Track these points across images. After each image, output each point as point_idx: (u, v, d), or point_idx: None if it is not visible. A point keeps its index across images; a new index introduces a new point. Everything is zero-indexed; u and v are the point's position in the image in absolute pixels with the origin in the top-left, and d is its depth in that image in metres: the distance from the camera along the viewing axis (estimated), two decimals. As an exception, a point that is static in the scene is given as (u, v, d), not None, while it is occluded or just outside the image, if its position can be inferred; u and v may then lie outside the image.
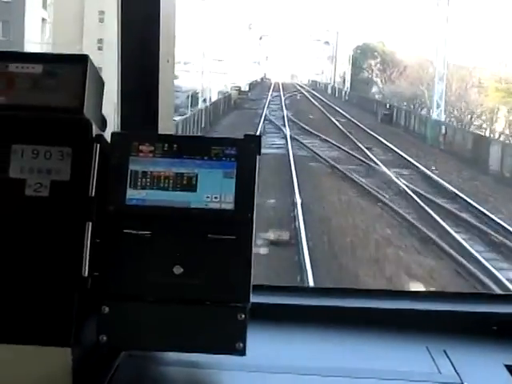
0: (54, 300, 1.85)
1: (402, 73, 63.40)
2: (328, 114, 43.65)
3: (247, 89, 61.94)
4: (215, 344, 1.93)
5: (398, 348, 2.35)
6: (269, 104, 50.69)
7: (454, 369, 2.16)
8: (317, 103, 54.46)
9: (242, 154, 1.94)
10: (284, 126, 34.68)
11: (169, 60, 2.31)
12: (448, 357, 2.23)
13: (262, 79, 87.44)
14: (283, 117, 39.98)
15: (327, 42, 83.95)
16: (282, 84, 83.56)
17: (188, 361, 2.04)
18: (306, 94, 68.92)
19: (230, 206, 1.91)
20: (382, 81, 68.16)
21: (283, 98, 57.69)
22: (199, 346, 1.94)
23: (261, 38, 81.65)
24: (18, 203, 1.89)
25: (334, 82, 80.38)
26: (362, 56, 72.12)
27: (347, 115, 42.28)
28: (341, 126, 35.59)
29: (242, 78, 67.24)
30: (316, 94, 68.22)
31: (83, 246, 1.84)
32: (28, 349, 1.84)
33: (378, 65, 69.54)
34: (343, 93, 65.54)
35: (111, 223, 1.91)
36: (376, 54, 69.72)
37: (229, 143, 1.95)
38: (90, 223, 1.86)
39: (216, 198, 1.91)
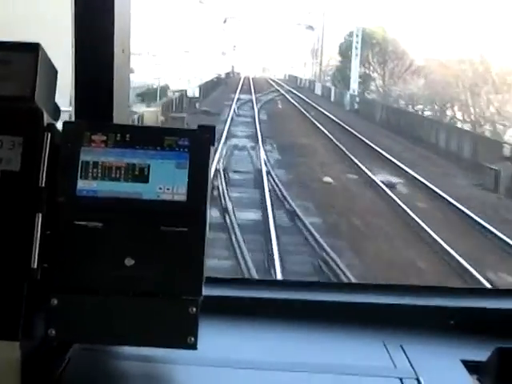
0: (1, 292, 1.81)
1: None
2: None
3: (195, 94, 42.42)
4: (166, 338, 1.90)
5: (355, 343, 2.34)
6: (230, 126, 30.72)
7: (410, 364, 2.15)
8: (317, 119, 36.09)
9: (196, 145, 1.91)
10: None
11: (124, 50, 2.28)
12: (404, 352, 2.23)
13: (227, 74, 74.35)
14: (262, 180, 19.15)
15: (311, 27, 69.95)
16: (253, 80, 72.09)
17: (140, 355, 2.02)
18: (288, 96, 53.61)
19: (183, 198, 1.88)
20: (381, 77, 53.83)
21: (256, 108, 40.90)
22: (150, 340, 1.91)
23: (225, 21, 69.21)
24: None
25: (321, 78, 67.02)
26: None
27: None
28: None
29: (206, 71, 56.19)
30: (302, 96, 53.07)
31: (33, 237, 1.81)
32: None
33: (377, 56, 54.35)
34: (348, 97, 47.33)
35: (61, 214, 1.88)
36: (374, 42, 53.82)
37: (182, 134, 1.92)
38: (40, 214, 1.83)
39: (168, 189, 1.89)
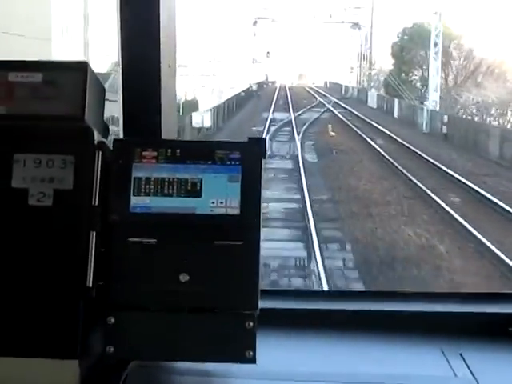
0: (59, 311, 1.82)
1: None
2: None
3: (205, 122, 28.65)
4: (225, 352, 1.89)
5: (413, 352, 2.30)
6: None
7: (471, 372, 2.11)
8: (396, 156, 23.31)
9: (247, 158, 1.90)
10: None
11: (170, 65, 2.28)
12: (464, 360, 2.19)
13: (260, 84, 64.85)
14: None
15: (357, 25, 59.00)
16: (290, 90, 64.01)
17: (198, 369, 2.01)
18: (336, 112, 42.50)
19: (236, 211, 1.87)
20: (444, 80, 41.88)
21: (298, 140, 28.06)
22: (208, 355, 1.90)
23: (255, 23, 59.53)
24: (21, 213, 1.87)
25: (370, 85, 56.85)
26: (411, 44, 46.21)
27: None
28: None
29: (237, 82, 51.86)
30: (355, 111, 42.34)
31: (88, 255, 1.82)
32: (34, 362, 1.82)
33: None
34: (425, 115, 33.80)
35: (115, 232, 1.88)
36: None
37: (233, 147, 1.92)
38: (94, 232, 1.83)
39: (221, 202, 1.88)
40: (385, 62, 53.63)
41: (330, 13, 59.22)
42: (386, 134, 31.21)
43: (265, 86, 70.78)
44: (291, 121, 36.19)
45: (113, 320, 1.87)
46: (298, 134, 30.61)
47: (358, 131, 32.16)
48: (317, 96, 59.38)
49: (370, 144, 27.76)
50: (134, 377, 2.00)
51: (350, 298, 2.62)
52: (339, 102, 51.05)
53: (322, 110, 44.91)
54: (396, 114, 40.84)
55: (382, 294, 2.73)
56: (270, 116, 38.62)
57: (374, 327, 2.35)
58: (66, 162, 1.88)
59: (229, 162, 1.90)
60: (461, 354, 2.21)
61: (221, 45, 51.06)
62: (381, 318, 2.41)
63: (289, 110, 43.13)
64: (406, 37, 46.65)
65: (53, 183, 1.87)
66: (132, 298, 1.88)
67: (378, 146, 26.88)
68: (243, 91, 52.48)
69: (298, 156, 23.98)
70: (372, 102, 49.95)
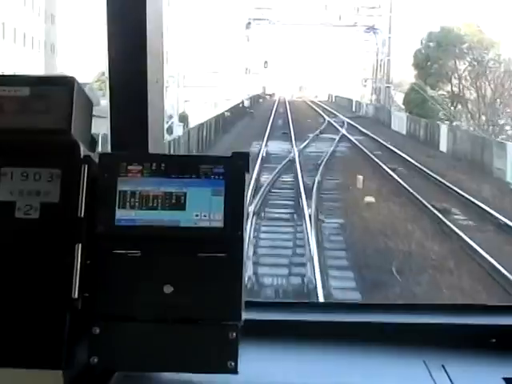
0: (44, 322, 1.85)
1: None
2: None
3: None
4: (208, 363, 1.92)
5: (395, 363, 2.32)
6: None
7: (452, 383, 2.14)
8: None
9: (231, 172, 1.94)
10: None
11: (158, 80, 2.31)
12: (446, 371, 2.21)
13: (255, 98, 56.05)
14: None
15: (372, 29, 48.97)
16: (290, 105, 55.52)
17: (182, 380, 2.03)
18: (354, 140, 32.15)
19: (220, 224, 1.91)
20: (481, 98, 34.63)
21: (308, 223, 15.30)
22: (191, 366, 1.93)
23: (249, 26, 50.18)
24: (8, 226, 1.89)
25: (386, 100, 48.09)
26: (438, 52, 38.24)
27: None
28: None
29: (234, 93, 46.02)
30: (381, 140, 31.95)
31: (73, 267, 1.84)
32: (19, 372, 1.84)
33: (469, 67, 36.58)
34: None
35: (101, 244, 1.91)
36: (465, 46, 36.47)
37: (217, 161, 1.95)
38: (80, 244, 1.86)
39: (205, 216, 1.91)
40: (405, 74, 44.81)
41: (338, 14, 48.76)
42: (470, 201, 18.61)
43: (261, 100, 61.79)
44: (294, 160, 24.94)
45: (98, 330, 1.89)
46: (308, 196, 18.43)
47: (411, 189, 19.67)
48: (323, 114, 49.08)
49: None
50: None
51: (334, 309, 2.64)
52: (353, 123, 40.90)
53: (336, 138, 33.19)
54: (445, 147, 28.69)
55: (366, 306, 2.75)
56: (263, 148, 28.21)
57: (357, 338, 2.37)
58: (52, 175, 1.91)
59: (213, 176, 1.93)
60: (443, 366, 2.24)
61: (214, 53, 47.76)
62: (364, 329, 2.43)
63: (290, 138, 32.94)
64: (431, 43, 38.18)
65: (39, 196, 1.90)
66: (117, 308, 1.91)
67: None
68: (230, 109, 41.12)
69: (314, 288, 11.78)
70: (398, 125, 38.29)
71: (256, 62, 54.52)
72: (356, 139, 33.18)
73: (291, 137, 33.70)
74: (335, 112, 51.15)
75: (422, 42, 40.63)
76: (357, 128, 39.06)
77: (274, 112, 48.81)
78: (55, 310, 1.85)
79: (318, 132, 36.67)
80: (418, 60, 40.94)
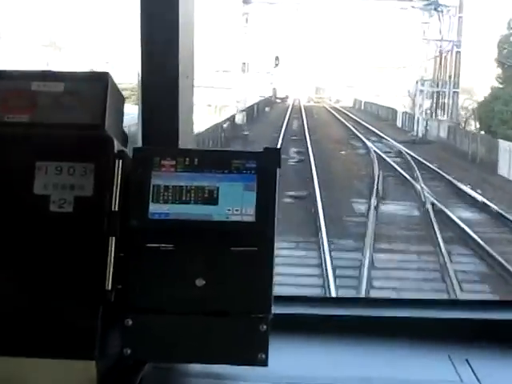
0: (78, 313, 1.88)
1: None
2: None
3: None
4: (238, 355, 1.95)
5: (420, 357, 2.35)
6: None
7: (476, 378, 2.16)
8: None
9: (262, 167, 1.96)
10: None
11: (188, 76, 2.34)
12: (470, 366, 2.24)
13: (259, 107, 42.64)
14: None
15: (435, 4, 32.94)
16: (307, 115, 42.44)
17: (212, 372, 2.06)
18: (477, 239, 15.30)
19: (251, 219, 1.93)
20: None
21: None
22: (222, 358, 1.96)
23: (246, 13, 36.48)
24: (43, 219, 1.92)
25: (450, 112, 34.10)
26: None
27: None
28: None
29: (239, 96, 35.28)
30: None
31: (107, 260, 1.87)
32: (53, 362, 1.87)
33: None
34: None
35: (134, 237, 1.94)
36: None
37: (249, 156, 1.98)
38: (114, 238, 1.89)
39: (237, 210, 1.94)
40: (479, 74, 30.60)
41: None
42: None
43: (267, 108, 47.08)
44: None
45: (130, 322, 1.93)
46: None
47: None
48: (358, 132, 34.98)
49: None
50: (149, 378, 2.05)
51: (360, 304, 2.67)
52: (427, 163, 25.43)
53: (416, 216, 18.60)
54: None
55: (391, 301, 2.78)
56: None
57: (383, 333, 2.40)
58: (86, 169, 1.93)
59: (245, 171, 1.96)
60: (467, 360, 2.26)
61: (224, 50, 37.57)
62: (390, 324, 2.46)
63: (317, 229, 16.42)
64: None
65: (74, 190, 1.93)
66: (149, 301, 1.94)
67: None
68: (211, 128, 28.32)
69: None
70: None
71: (259, 54, 40.78)
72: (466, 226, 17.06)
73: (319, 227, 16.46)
74: (374, 129, 36.35)
75: (511, 26, 26.41)
76: (436, 173, 24.03)
77: (283, 130, 33.89)
78: (89, 301, 1.88)
79: (374, 202, 19.12)
80: (504, 56, 27.43)
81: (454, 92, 35.33)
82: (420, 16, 35.67)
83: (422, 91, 36.81)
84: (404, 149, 28.69)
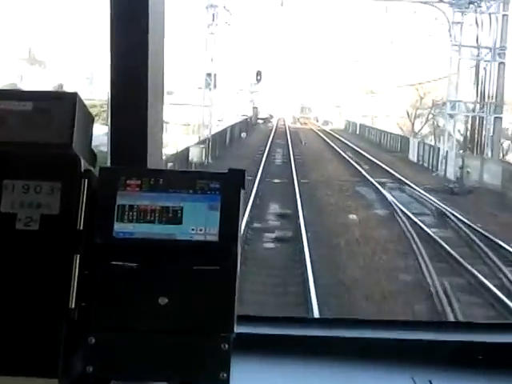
0: (41, 331, 1.88)
1: None
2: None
3: None
4: (200, 374, 1.96)
5: (384, 379, 2.37)
6: None
7: None
8: None
9: (227, 188, 1.99)
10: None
11: (157, 98, 2.37)
12: None
13: (231, 131, 35.46)
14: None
15: None
16: (293, 147, 33.82)
17: None
18: None
19: (215, 238, 1.96)
20: None
21: None
22: (184, 376, 1.97)
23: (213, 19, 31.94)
24: (9, 237, 1.94)
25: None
26: None
27: None
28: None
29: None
30: None
31: (71, 277, 1.89)
32: (15, 380, 1.87)
33: None
34: None
35: (99, 255, 1.96)
36: None
37: (213, 177, 2.00)
38: (78, 255, 1.91)
39: (201, 230, 1.96)
40: None
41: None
42: None
43: (243, 134, 38.82)
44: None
45: (93, 340, 1.93)
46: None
47: None
48: (364, 172, 26.62)
49: None
50: None
51: (326, 324, 2.68)
52: (485, 233, 17.24)
53: None
54: None
55: (358, 322, 2.79)
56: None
57: (347, 353, 2.41)
58: (53, 188, 1.95)
59: (209, 192, 1.98)
60: (430, 382, 2.28)
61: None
62: (355, 344, 2.47)
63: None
64: None
65: (40, 208, 1.95)
66: (112, 318, 1.95)
67: None
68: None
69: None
70: None
71: (238, 69, 37.60)
72: None
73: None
74: (383, 164, 28.30)
75: None
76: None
77: (260, 171, 25.41)
78: (52, 319, 1.89)
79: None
80: None
81: (496, 118, 26.98)
82: (444, 16, 27.99)
83: (451, 116, 28.14)
84: (446, 208, 19.18)
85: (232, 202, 1.98)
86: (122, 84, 2.32)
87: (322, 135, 42.59)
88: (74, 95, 2.01)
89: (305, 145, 37.96)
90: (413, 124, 36.79)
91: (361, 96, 47.05)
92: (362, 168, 28.03)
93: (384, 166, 28.37)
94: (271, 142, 35.30)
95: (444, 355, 2.41)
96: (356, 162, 30.06)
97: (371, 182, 24.34)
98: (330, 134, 43.32)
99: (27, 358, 1.88)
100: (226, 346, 1.94)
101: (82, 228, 1.92)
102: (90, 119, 2.11)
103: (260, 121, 47.91)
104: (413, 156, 32.28)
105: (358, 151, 34.53)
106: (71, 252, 1.90)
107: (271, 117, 52.58)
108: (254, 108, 45.50)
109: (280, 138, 37.55)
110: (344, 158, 32.10)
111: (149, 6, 2.24)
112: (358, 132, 45.62)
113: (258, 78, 40.17)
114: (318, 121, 56.45)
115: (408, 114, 36.89)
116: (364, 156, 32.45)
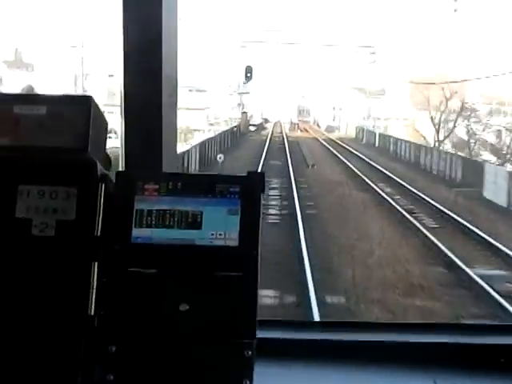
0: (60, 340, 1.85)
1: None
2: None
3: None
4: (223, 381, 1.92)
5: (406, 382, 2.33)
6: None
7: None
8: None
9: (246, 191, 1.95)
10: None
11: (171, 102, 2.33)
12: None
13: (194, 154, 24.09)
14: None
15: None
16: (298, 192, 20.38)
17: None
18: None
19: (235, 243, 1.92)
20: None
21: None
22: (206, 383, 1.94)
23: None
24: (25, 243, 1.90)
25: None
26: None
27: None
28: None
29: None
30: None
31: (89, 285, 1.85)
32: None
33: None
34: None
35: (117, 262, 1.92)
36: None
37: (233, 180, 1.97)
38: (96, 263, 1.87)
39: (220, 234, 1.92)
40: None
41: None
42: None
43: (219, 157, 27.31)
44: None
45: (114, 349, 1.90)
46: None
47: None
48: (436, 248, 14.62)
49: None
50: None
51: (346, 328, 2.64)
52: None
53: None
54: None
55: (377, 325, 2.76)
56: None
57: (368, 358, 2.38)
58: (69, 193, 1.92)
59: (229, 195, 1.95)
60: None
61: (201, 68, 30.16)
62: (376, 348, 2.44)
63: None
64: None
65: (56, 214, 1.91)
66: (132, 326, 1.91)
67: None
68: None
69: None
70: None
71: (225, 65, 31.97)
72: None
73: None
74: (458, 219, 17.60)
75: None
76: None
77: None
78: (72, 327, 1.85)
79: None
80: None
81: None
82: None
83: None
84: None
85: (252, 205, 1.95)
86: (135, 89, 2.29)
87: (332, 149, 33.19)
88: (89, 99, 1.97)
89: (312, 168, 27.41)
90: (437, 131, 30.46)
91: (365, 97, 40.60)
92: (437, 238, 15.33)
93: (457, 221, 17.03)
94: (262, 165, 25.53)
95: (466, 358, 2.38)
96: (404, 209, 18.43)
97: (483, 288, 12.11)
98: (341, 145, 34.51)
99: (46, 366, 1.84)
100: (250, 352, 1.90)
101: (99, 234, 1.89)
102: (104, 123, 2.08)
103: (252, 128, 39.95)
104: (495, 195, 19.38)
105: (392, 179, 23.26)
106: (89, 259, 1.87)
107: (266, 121, 45.38)
108: (243, 113, 37.24)
109: (276, 157, 28.74)
110: (379, 194, 20.72)
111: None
112: (377, 144, 35.40)
113: (248, 75, 33.81)
114: (319, 126, 48.99)
115: (432, 118, 30.47)
116: (408, 192, 20.82)
